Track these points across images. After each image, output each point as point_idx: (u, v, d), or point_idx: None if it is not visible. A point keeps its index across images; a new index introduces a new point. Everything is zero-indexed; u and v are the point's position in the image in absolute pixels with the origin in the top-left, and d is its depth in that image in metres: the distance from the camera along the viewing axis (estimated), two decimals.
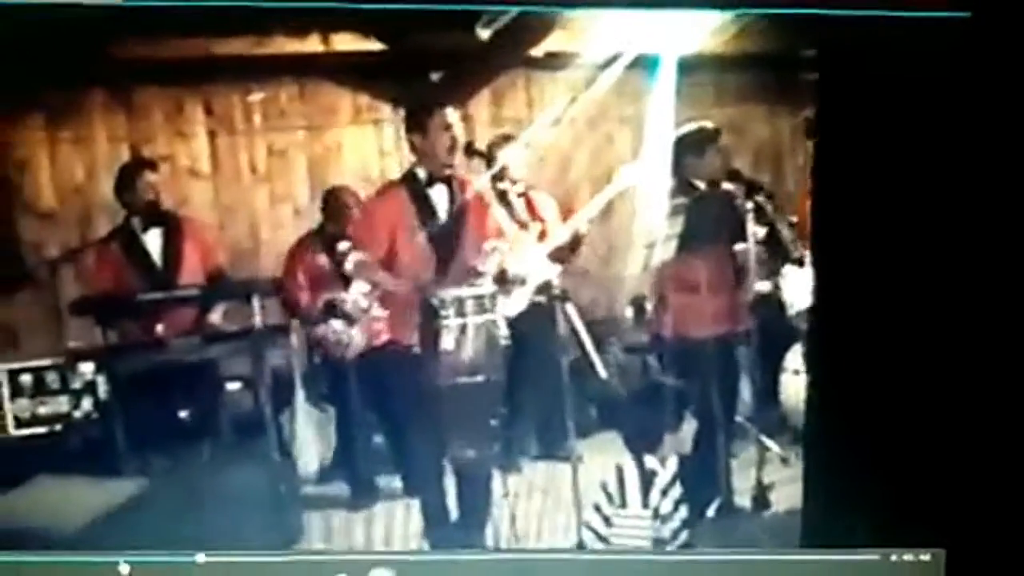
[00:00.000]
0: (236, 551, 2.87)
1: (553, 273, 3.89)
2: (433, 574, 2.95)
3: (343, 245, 4.00)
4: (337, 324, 4.20)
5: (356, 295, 4.02)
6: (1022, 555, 2.77)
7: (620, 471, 3.68)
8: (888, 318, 2.77)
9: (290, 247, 4.60)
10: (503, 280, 3.77)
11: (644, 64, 4.31)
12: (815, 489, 2.94)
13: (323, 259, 4.41)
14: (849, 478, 2.79)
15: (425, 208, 3.75)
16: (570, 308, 3.76)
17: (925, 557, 2.78)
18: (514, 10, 4.39)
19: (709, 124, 4.08)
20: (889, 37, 2.65)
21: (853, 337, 2.81)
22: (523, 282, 3.91)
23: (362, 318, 4.07)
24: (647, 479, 3.63)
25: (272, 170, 5.16)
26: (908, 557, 2.79)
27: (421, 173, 3.78)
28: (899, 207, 2.74)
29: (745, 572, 2.92)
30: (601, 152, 4.95)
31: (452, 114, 3.73)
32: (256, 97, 5.05)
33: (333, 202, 4.51)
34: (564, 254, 4.26)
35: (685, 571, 2.97)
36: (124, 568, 2.79)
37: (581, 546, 3.61)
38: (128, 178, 4.25)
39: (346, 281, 4.04)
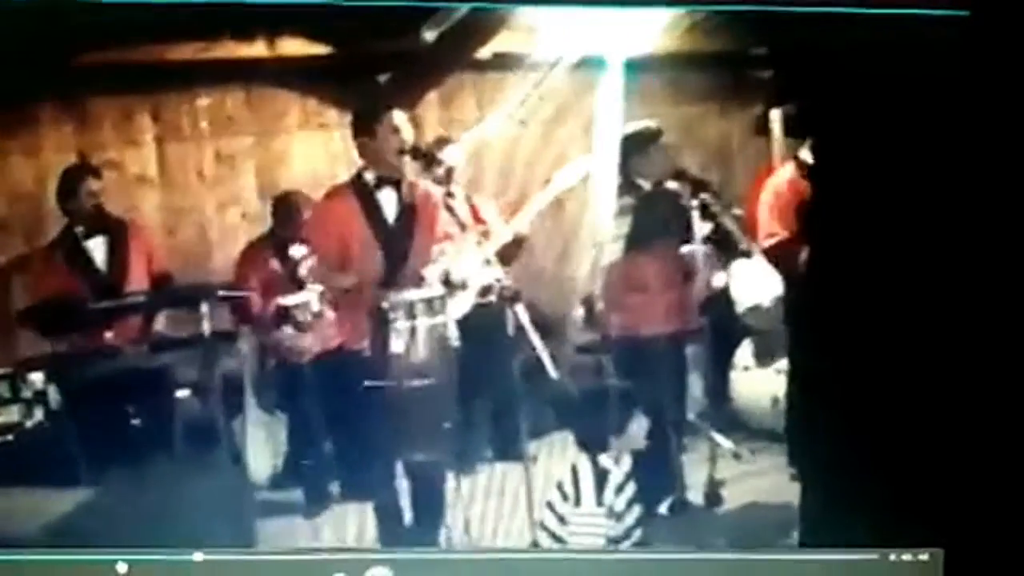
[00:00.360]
0: (233, 549, 2.92)
1: (498, 275, 3.88)
2: (430, 573, 2.96)
3: (297, 250, 4.00)
4: (289, 329, 4.19)
5: (307, 299, 4.02)
6: (1020, 555, 2.80)
7: (575, 470, 3.71)
8: (885, 316, 2.81)
9: (240, 252, 4.58)
10: (447, 283, 3.79)
11: (591, 64, 4.33)
12: (813, 489, 3.00)
13: (275, 263, 4.38)
14: (847, 478, 2.82)
15: (373, 211, 3.77)
16: (519, 309, 3.76)
17: (923, 557, 2.82)
18: (462, 8, 4.41)
19: (652, 124, 4.12)
20: (888, 35, 2.69)
21: (849, 335, 2.84)
22: (465, 285, 3.93)
23: (313, 323, 4.07)
24: (601, 477, 3.67)
25: (220, 175, 5.12)
26: (907, 557, 2.82)
27: (369, 176, 3.79)
28: (896, 206, 2.78)
29: (742, 571, 2.95)
30: (548, 152, 4.95)
31: (400, 117, 3.76)
32: (203, 103, 5.00)
33: (283, 207, 4.49)
34: (509, 254, 4.25)
35: (679, 570, 2.99)
36: (122, 567, 2.80)
37: (535, 545, 3.61)
38: (70, 185, 4.22)
39: (298, 286, 4.03)
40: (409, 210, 3.82)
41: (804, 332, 3.16)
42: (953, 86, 2.70)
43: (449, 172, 4.17)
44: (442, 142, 4.41)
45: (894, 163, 2.78)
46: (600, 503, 3.66)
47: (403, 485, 3.82)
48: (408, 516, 3.81)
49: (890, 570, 2.83)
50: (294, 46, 4.83)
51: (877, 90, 2.76)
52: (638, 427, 4.05)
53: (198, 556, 2.83)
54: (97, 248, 4.21)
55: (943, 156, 2.74)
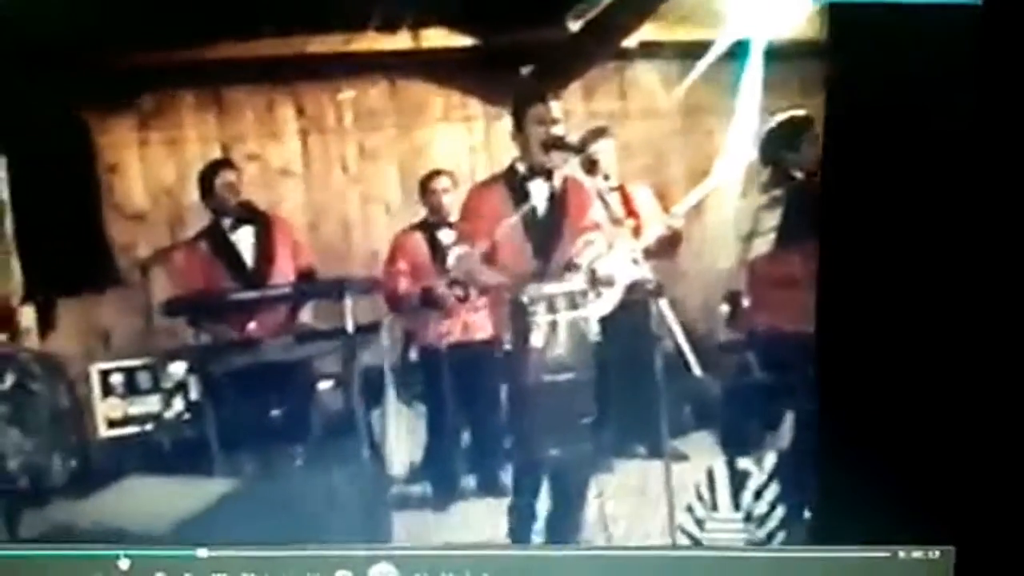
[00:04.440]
0: (237, 545, 3.09)
1: (646, 270, 4.12)
2: (434, 569, 3.16)
3: (447, 237, 4.34)
4: (432, 316, 4.51)
5: (452, 289, 4.34)
6: None
7: (711, 472, 3.87)
8: (896, 314, 2.94)
9: (395, 235, 4.86)
10: (594, 280, 4.02)
11: (739, 52, 4.49)
12: (825, 486, 3.11)
13: (426, 249, 4.69)
14: (859, 475, 2.95)
15: (523, 202, 4.05)
16: (663, 304, 3.94)
17: (935, 554, 2.95)
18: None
19: (802, 112, 4.22)
20: (898, 24, 2.82)
21: (862, 332, 2.98)
22: (613, 282, 4.15)
23: (457, 308, 4.38)
24: (740, 481, 3.81)
25: (363, 169, 5.39)
26: (917, 554, 2.96)
27: (520, 167, 4.07)
28: (908, 200, 2.90)
29: (755, 569, 3.13)
30: (696, 144, 5.00)
31: (544, 108, 4.02)
32: (347, 96, 5.28)
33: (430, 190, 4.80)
34: (660, 250, 4.48)
35: (687, 568, 3.19)
36: (124, 563, 3.03)
37: (674, 548, 3.76)
38: (207, 180, 4.63)
39: (444, 273, 4.37)
40: (559, 202, 4.08)
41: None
42: (966, 76, 2.81)
43: (595, 164, 4.40)
44: (589, 134, 4.64)
45: (906, 155, 2.88)
46: (738, 507, 3.78)
47: (539, 481, 4.02)
48: (543, 513, 4.02)
49: (901, 568, 2.95)
50: (438, 38, 5.08)
51: (885, 79, 2.87)
52: (784, 428, 4.17)
53: (201, 552, 3.03)
54: (244, 240, 4.58)
55: (955, 148, 2.84)
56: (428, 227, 4.73)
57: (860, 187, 2.97)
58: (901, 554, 2.98)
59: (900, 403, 2.96)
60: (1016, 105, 2.87)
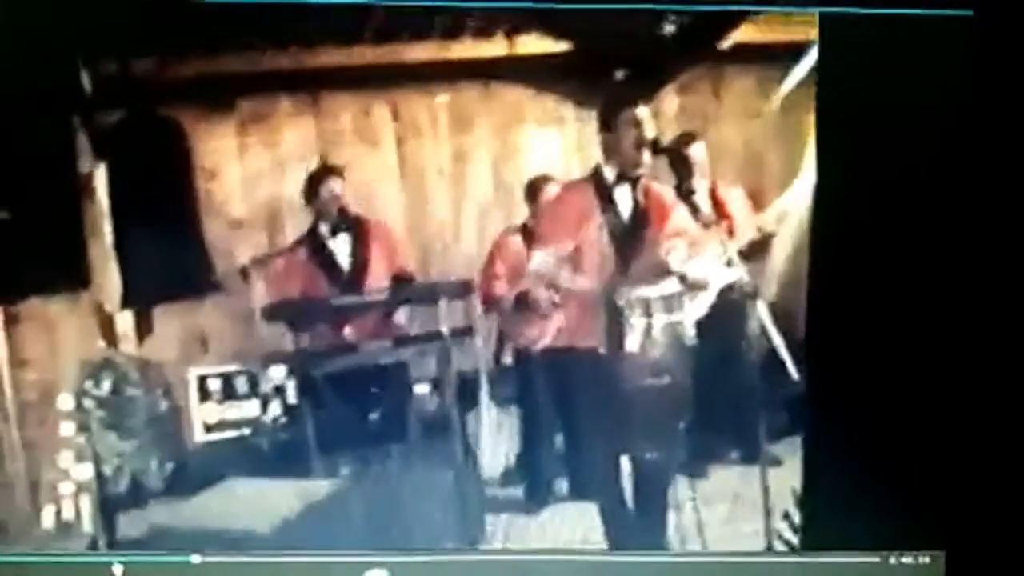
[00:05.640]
0: (231, 552, 3.16)
1: (741, 272, 4.10)
2: (429, 574, 3.23)
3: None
4: (527, 320, 4.56)
5: (546, 291, 4.36)
6: (1022, 558, 2.96)
7: None
8: (886, 320, 2.99)
9: (495, 238, 4.96)
10: (687, 282, 4.04)
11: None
12: (815, 491, 3.18)
13: (525, 253, 4.69)
14: (849, 480, 3.02)
15: (610, 206, 4.08)
16: (760, 306, 3.97)
17: (925, 560, 3.01)
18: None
19: None
20: (889, 35, 2.88)
21: (853, 338, 3.03)
22: (707, 285, 4.15)
23: (550, 315, 4.41)
24: None
25: (458, 173, 5.49)
26: (908, 560, 3.02)
27: (608, 171, 4.10)
28: (900, 207, 2.95)
29: (742, 573, 3.19)
30: (792, 146, 5.06)
31: (638, 112, 4.05)
32: (441, 101, 5.39)
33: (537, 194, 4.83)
34: (753, 251, 4.50)
35: (677, 572, 3.26)
36: (118, 569, 3.09)
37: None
38: (314, 185, 4.76)
39: (541, 276, 4.38)
40: (647, 206, 4.10)
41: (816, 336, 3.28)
42: (955, 87, 2.86)
43: (690, 166, 4.46)
44: (683, 137, 4.71)
45: (897, 164, 2.92)
46: None
47: (633, 485, 4.07)
48: (637, 517, 4.08)
49: (891, 573, 3.01)
50: (532, 44, 5.15)
51: (876, 90, 2.92)
52: None
53: (195, 558, 3.09)
54: (341, 246, 4.71)
55: (946, 157, 2.88)
56: (528, 231, 4.77)
57: (851, 196, 3.03)
58: (892, 560, 3.03)
59: (891, 409, 3.02)
60: (1008, 113, 2.90)
